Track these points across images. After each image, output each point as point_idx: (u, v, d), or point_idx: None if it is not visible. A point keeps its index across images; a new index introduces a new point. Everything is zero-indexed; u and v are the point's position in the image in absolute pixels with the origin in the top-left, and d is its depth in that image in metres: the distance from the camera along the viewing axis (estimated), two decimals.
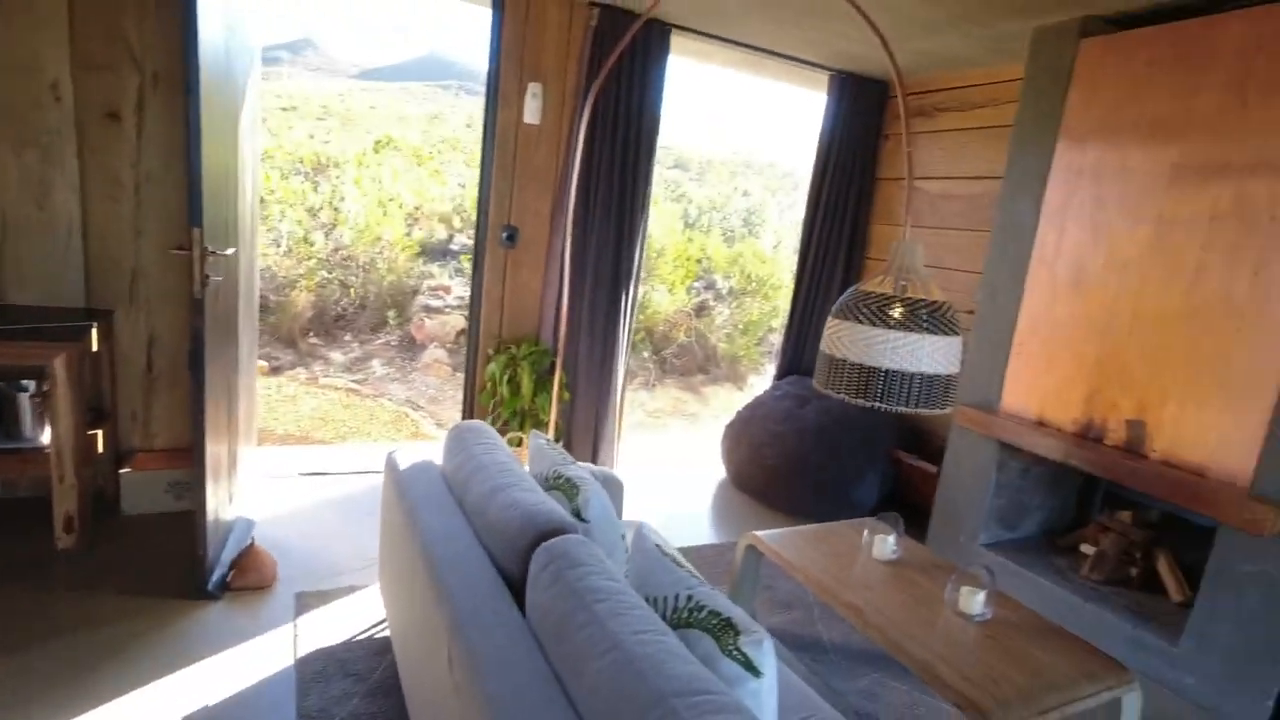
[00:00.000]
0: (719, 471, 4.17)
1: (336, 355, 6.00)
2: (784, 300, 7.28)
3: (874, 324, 1.92)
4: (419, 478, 1.96)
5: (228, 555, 2.36)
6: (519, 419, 3.43)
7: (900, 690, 2.30)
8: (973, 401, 3.15)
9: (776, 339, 7.67)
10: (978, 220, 3.64)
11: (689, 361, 6.74)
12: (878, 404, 1.94)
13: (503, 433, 3.43)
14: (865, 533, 2.35)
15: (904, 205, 2.10)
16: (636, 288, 3.76)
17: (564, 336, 3.56)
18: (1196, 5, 2.46)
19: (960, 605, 1.99)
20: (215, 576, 2.32)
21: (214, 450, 2.30)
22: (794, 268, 4.43)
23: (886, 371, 1.91)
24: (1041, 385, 2.88)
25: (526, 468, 2.12)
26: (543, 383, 3.48)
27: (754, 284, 7.37)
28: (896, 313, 1.90)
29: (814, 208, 4.25)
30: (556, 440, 3.56)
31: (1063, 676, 1.75)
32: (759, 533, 2.40)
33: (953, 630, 1.91)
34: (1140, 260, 2.55)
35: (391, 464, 2.07)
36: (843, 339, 1.99)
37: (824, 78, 4.10)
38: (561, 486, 1.81)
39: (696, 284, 7.85)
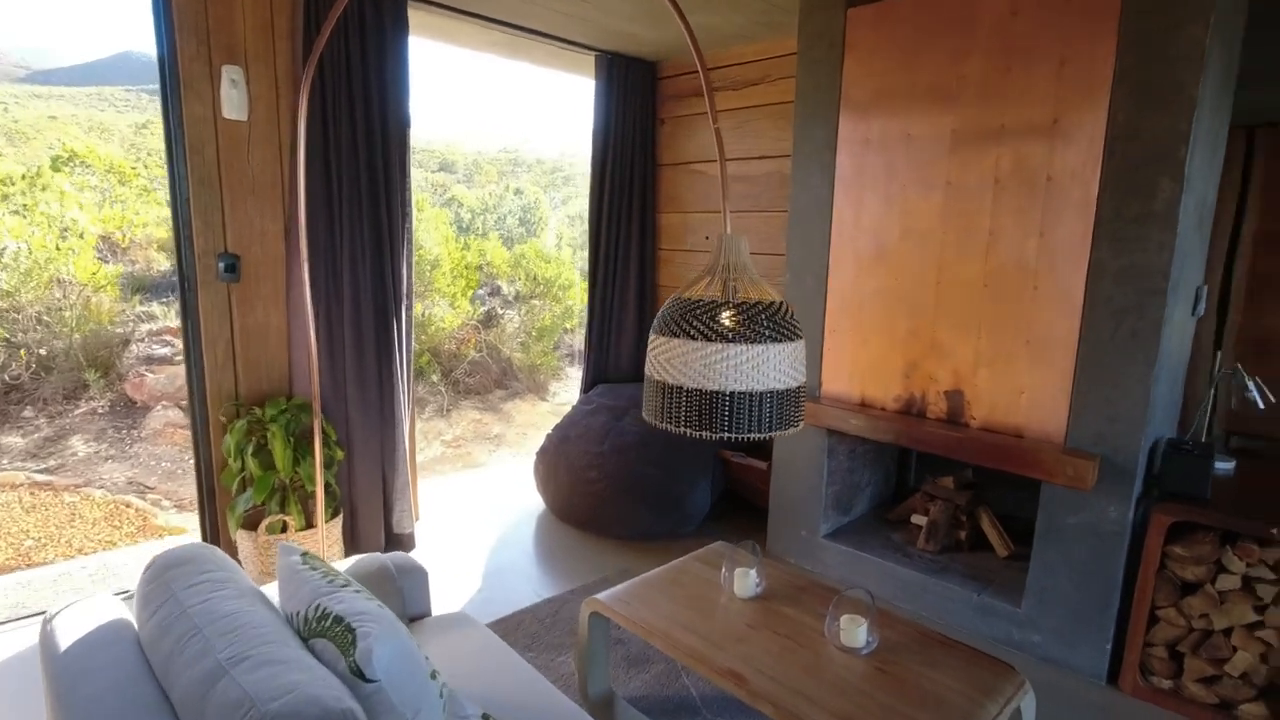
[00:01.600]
0: (535, 502, 3.71)
1: (12, 440, 4.54)
2: (577, 300, 6.96)
3: (709, 339, 1.59)
4: (94, 664, 1.26)
5: None
6: (278, 497, 2.68)
7: None
8: None
9: (573, 340, 7.34)
10: (770, 201, 3.54)
11: (484, 378, 6.15)
12: (727, 435, 1.61)
13: (256, 522, 2.66)
14: (724, 569, 2.05)
15: (721, 192, 1.80)
16: (410, 309, 3.15)
17: (322, 382, 2.86)
18: None
19: (843, 640, 1.75)
20: None
21: None
22: (586, 268, 4.08)
23: (733, 395, 1.59)
24: (860, 366, 2.80)
25: (276, 596, 1.50)
26: (306, 446, 2.75)
27: (541, 286, 6.94)
28: (734, 323, 1.59)
29: (599, 202, 3.92)
30: (334, 513, 2.86)
31: (965, 699, 1.57)
32: (601, 596, 1.99)
33: (842, 673, 1.66)
34: (937, 228, 2.52)
35: (48, 642, 1.33)
36: (674, 361, 1.63)
37: (591, 60, 3.77)
38: (329, 632, 1.24)
39: (480, 292, 7.25)
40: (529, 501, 3.75)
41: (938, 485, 2.93)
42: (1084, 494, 2.25)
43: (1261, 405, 2.37)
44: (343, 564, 1.91)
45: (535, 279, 6.82)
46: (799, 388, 1.67)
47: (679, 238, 3.99)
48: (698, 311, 1.62)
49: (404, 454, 3.10)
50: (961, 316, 2.49)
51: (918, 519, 2.98)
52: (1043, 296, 2.30)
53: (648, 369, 1.75)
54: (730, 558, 2.05)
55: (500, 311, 6.84)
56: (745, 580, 1.98)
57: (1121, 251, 2.13)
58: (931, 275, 2.55)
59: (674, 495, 3.25)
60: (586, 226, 4.11)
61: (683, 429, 1.64)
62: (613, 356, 4.09)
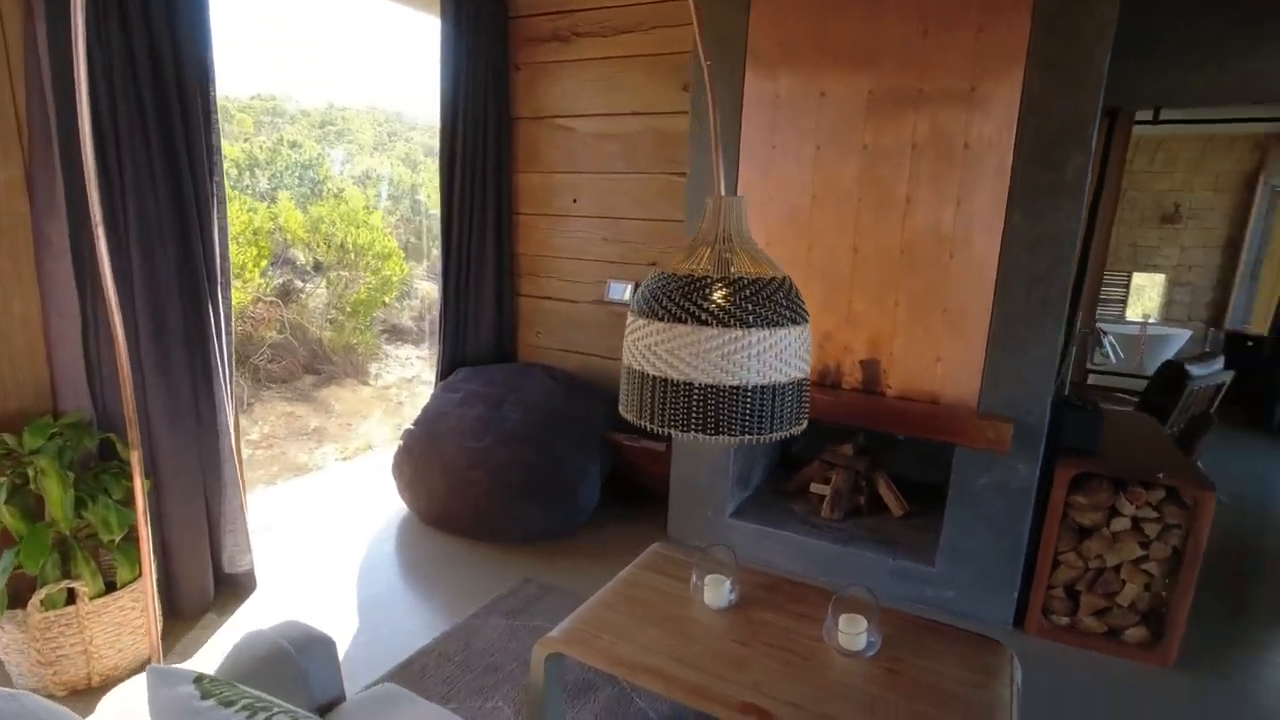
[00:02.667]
0: (394, 508, 3.19)
1: None
2: (397, 270, 6.19)
3: (725, 324, 1.31)
4: None
5: None
6: (56, 557, 1.93)
7: None
8: None
9: (388, 315, 6.55)
10: (643, 162, 3.28)
11: (290, 364, 5.23)
12: (747, 438, 1.36)
13: (23, 596, 1.90)
14: (694, 578, 1.82)
15: (713, 148, 1.52)
16: (228, 287, 2.44)
17: (109, 390, 2.12)
18: None
19: (843, 643, 1.61)
20: None
21: None
22: (439, 237, 3.53)
23: (755, 389, 1.34)
24: None
25: None
26: (93, 480, 2.02)
27: (350, 254, 6.06)
28: (752, 304, 1.33)
29: (450, 161, 3.39)
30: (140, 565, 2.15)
31: (981, 690, 1.51)
32: (557, 633, 1.67)
33: (858, 683, 1.53)
34: (853, 194, 2.45)
35: None
36: (678, 352, 1.34)
37: None
38: None
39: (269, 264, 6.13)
40: (384, 508, 3.20)
41: (837, 453, 2.95)
42: (996, 455, 2.35)
43: (1114, 360, 2.65)
44: (205, 655, 1.37)
45: (342, 246, 5.92)
46: (809, 375, 1.47)
47: (542, 201, 3.59)
48: (704, 290, 1.34)
49: (232, 472, 2.44)
50: (878, 286, 2.46)
51: (817, 488, 2.99)
52: (959, 264, 2.33)
53: (630, 360, 1.43)
54: (700, 565, 1.83)
55: (299, 284, 5.87)
56: (719, 589, 1.77)
57: (1035, 221, 2.20)
58: (847, 243, 2.49)
59: (565, 488, 2.94)
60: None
61: (692, 432, 1.36)
62: (472, 335, 3.61)
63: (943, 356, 2.40)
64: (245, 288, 5.32)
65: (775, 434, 1.38)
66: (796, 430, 1.43)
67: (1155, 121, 5.51)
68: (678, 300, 1.34)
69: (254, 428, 4.56)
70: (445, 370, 3.54)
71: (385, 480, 3.29)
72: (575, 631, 1.68)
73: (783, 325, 1.34)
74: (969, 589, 2.47)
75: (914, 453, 3.27)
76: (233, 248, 5.09)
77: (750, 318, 1.32)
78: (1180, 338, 6.54)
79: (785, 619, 1.75)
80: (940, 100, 2.27)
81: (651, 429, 1.40)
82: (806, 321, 1.41)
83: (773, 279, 1.37)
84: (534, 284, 3.68)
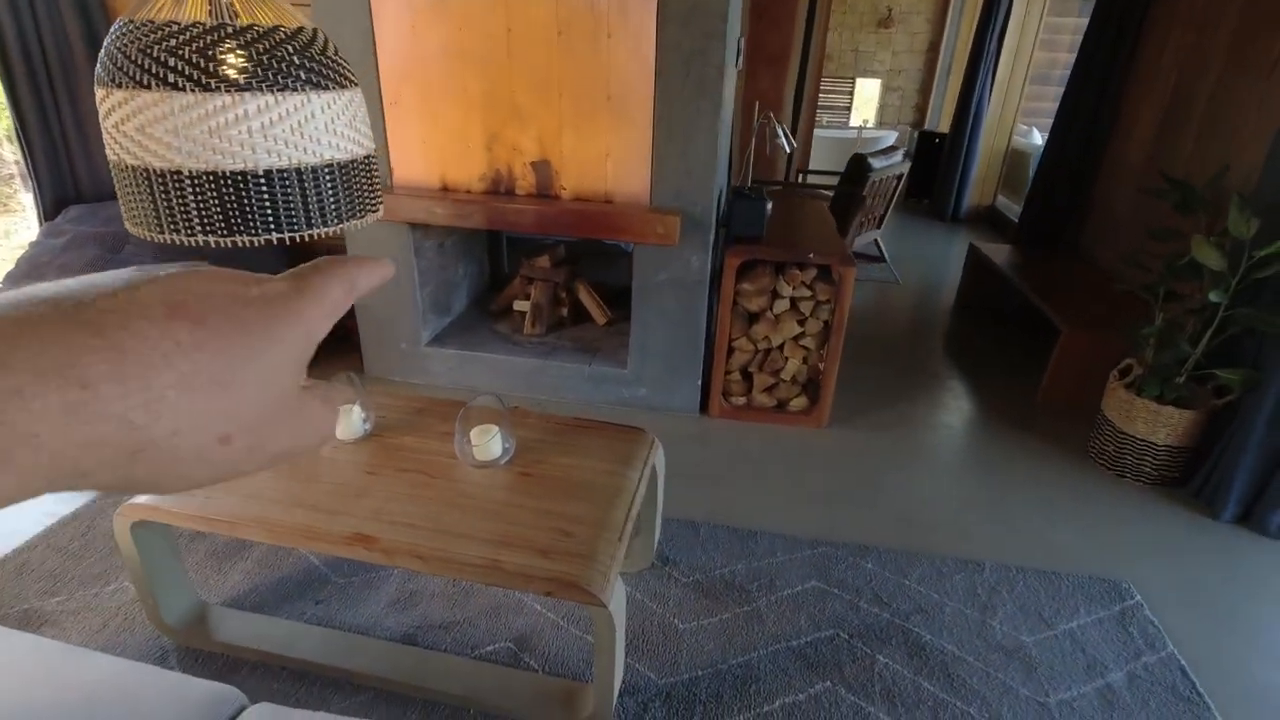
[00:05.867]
0: None
1: None
2: None
3: (207, 87, 0.99)
4: None
5: None
6: None
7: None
8: None
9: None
10: None
11: None
12: (276, 236, 1.10)
13: None
14: None
15: None
16: None
17: None
18: None
19: (477, 456, 1.53)
20: None
21: None
22: None
23: (272, 174, 1.06)
24: (436, 144, 2.36)
25: None
26: None
27: None
28: (246, 59, 1.00)
29: None
30: None
31: (610, 476, 1.53)
32: (144, 498, 1.41)
33: (486, 492, 1.46)
34: None
35: None
36: (150, 129, 1.01)
37: None
38: None
39: None
40: None
41: (535, 266, 2.81)
42: (670, 249, 2.33)
43: (788, 150, 2.70)
44: None
45: None
46: (368, 157, 1.21)
47: None
48: (175, 42, 0.99)
49: None
50: (539, 73, 2.20)
51: (520, 305, 2.86)
52: (617, 44, 2.12)
53: (111, 150, 1.08)
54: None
55: None
56: (348, 419, 1.60)
57: None
58: (500, 23, 2.16)
59: None
60: None
61: (195, 237, 1.07)
62: (83, 164, 2.84)
63: (612, 152, 2.26)
64: None
65: (318, 229, 1.13)
66: (357, 222, 1.20)
67: None
68: (136, 58, 0.99)
69: None
70: (50, 210, 2.79)
71: None
72: (164, 499, 1.42)
73: (297, 89, 1.05)
74: (658, 384, 2.56)
75: (622, 259, 3.25)
76: None
77: (242, 78, 1.01)
78: (888, 139, 7.15)
79: (427, 440, 1.63)
80: None
81: (150, 238, 1.09)
82: (344, 87, 1.13)
83: (278, 27, 1.06)
84: None
